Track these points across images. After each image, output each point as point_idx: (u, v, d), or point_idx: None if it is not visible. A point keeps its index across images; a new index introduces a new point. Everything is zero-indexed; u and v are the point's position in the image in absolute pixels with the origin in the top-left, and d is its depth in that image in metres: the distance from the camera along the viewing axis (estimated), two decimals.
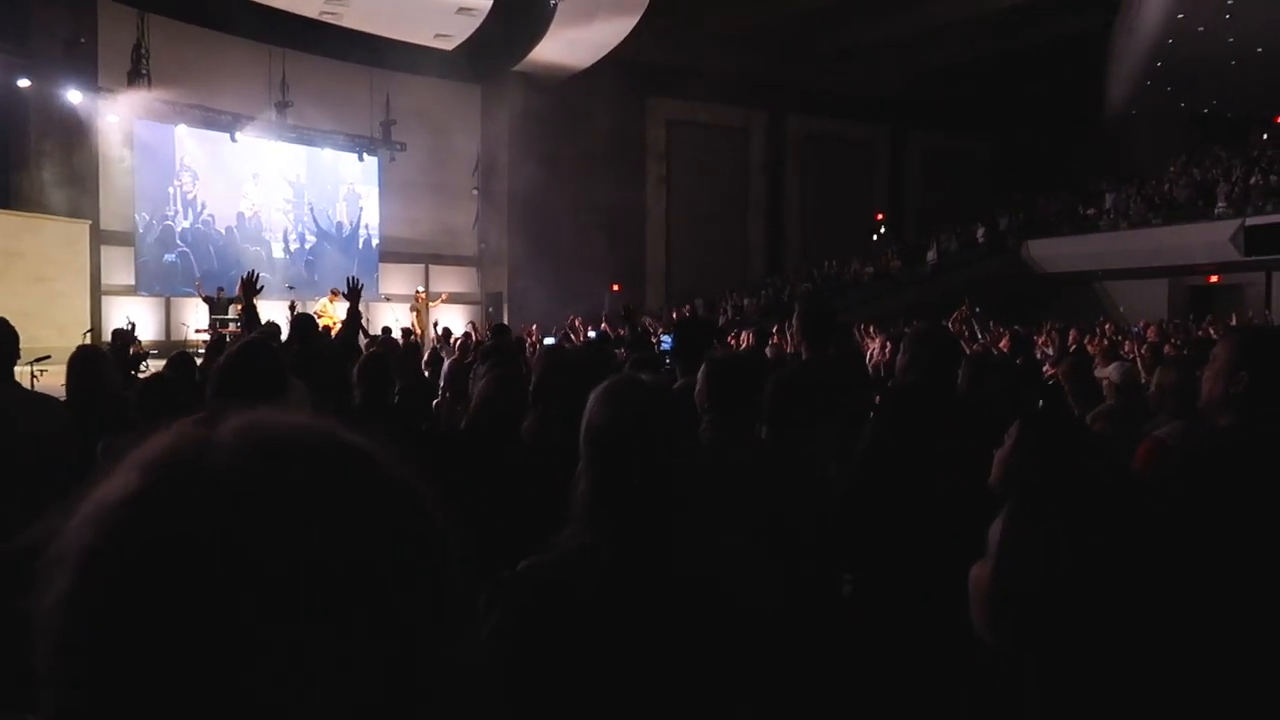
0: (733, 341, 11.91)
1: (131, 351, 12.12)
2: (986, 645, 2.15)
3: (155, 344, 17.68)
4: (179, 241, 19.99)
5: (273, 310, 13.75)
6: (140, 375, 9.61)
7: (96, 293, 18.65)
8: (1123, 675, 1.98)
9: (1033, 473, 2.13)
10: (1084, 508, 2.06)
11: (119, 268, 19.29)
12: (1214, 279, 23.45)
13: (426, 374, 8.48)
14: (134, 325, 15.12)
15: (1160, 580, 2.00)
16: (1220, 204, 21.80)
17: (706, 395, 2.88)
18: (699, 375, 2.93)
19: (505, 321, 18.60)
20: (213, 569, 0.46)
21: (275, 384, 2.70)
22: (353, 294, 5.95)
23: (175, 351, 6.38)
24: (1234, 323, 13.56)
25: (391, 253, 23.57)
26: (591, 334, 12.99)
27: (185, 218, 20.12)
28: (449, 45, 21.92)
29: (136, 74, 17.95)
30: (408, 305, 19.62)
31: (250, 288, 5.61)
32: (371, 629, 0.49)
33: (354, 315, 5.99)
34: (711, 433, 2.86)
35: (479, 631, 0.57)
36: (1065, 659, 2.02)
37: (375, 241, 23.19)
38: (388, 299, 21.24)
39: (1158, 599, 1.99)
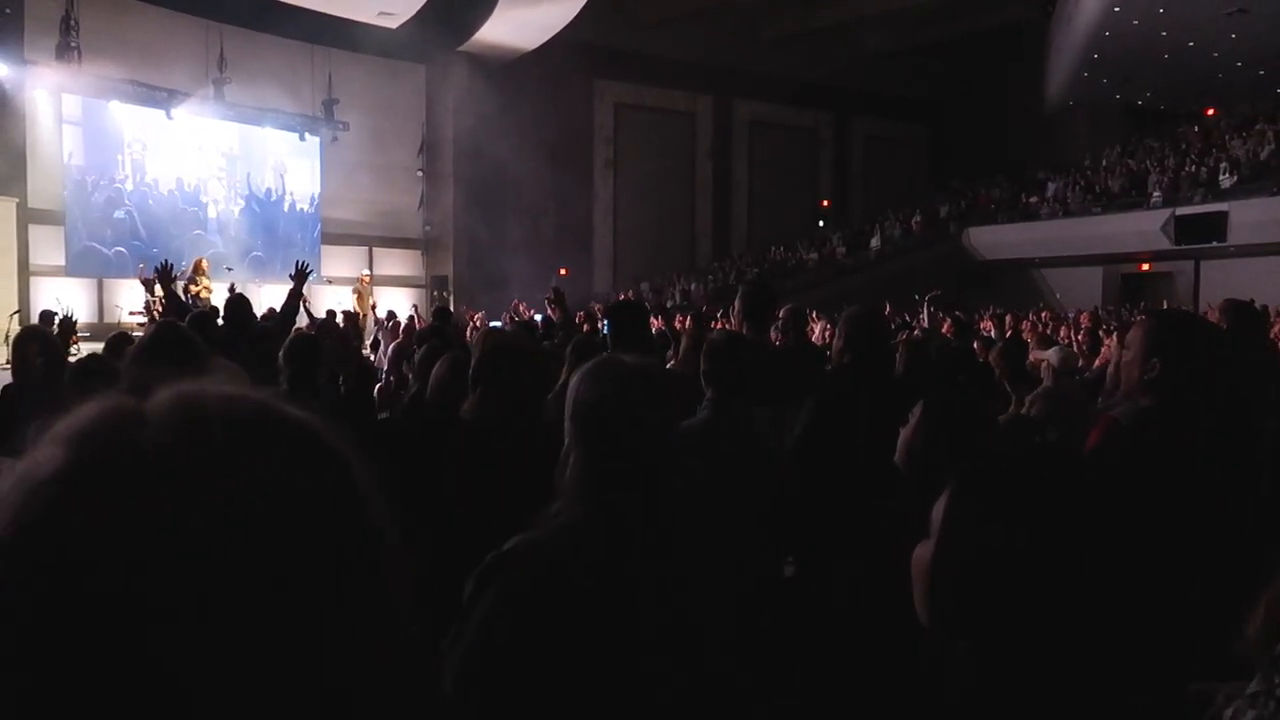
0: (679, 325, 11.90)
1: (58, 333, 11.68)
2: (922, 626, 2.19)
3: (88, 326, 17.16)
4: (126, 201, 19.58)
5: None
6: (71, 357, 9.32)
7: (24, 273, 18.04)
8: (1061, 655, 2.04)
9: (932, 452, 2.18)
10: (1028, 484, 2.10)
11: (48, 248, 18.67)
12: (1146, 267, 24.14)
13: (372, 358, 8.39)
14: (45, 311, 14.37)
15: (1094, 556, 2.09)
16: (1153, 194, 22.38)
17: (705, 377, 2.99)
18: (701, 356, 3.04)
19: (451, 305, 18.42)
20: (137, 548, 0.44)
21: (192, 364, 2.64)
22: (299, 276, 6.11)
23: (112, 334, 6.31)
24: (1165, 309, 13.96)
25: (334, 235, 23.08)
26: (538, 317, 12.90)
27: (130, 183, 19.71)
28: (393, 24, 21.50)
29: (66, 47, 17.26)
30: (350, 288, 19.31)
31: (166, 276, 5.59)
32: (304, 609, 0.47)
33: (296, 295, 6.06)
34: (710, 413, 2.95)
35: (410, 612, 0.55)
36: (1003, 639, 2.06)
37: (303, 207, 22.68)
38: (330, 282, 20.83)
39: (1091, 576, 2.07)
